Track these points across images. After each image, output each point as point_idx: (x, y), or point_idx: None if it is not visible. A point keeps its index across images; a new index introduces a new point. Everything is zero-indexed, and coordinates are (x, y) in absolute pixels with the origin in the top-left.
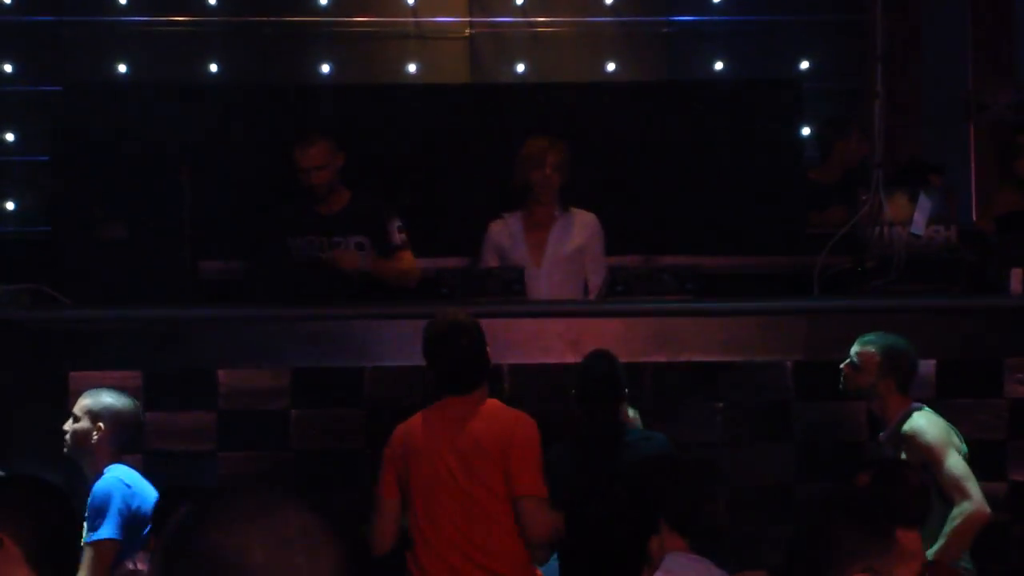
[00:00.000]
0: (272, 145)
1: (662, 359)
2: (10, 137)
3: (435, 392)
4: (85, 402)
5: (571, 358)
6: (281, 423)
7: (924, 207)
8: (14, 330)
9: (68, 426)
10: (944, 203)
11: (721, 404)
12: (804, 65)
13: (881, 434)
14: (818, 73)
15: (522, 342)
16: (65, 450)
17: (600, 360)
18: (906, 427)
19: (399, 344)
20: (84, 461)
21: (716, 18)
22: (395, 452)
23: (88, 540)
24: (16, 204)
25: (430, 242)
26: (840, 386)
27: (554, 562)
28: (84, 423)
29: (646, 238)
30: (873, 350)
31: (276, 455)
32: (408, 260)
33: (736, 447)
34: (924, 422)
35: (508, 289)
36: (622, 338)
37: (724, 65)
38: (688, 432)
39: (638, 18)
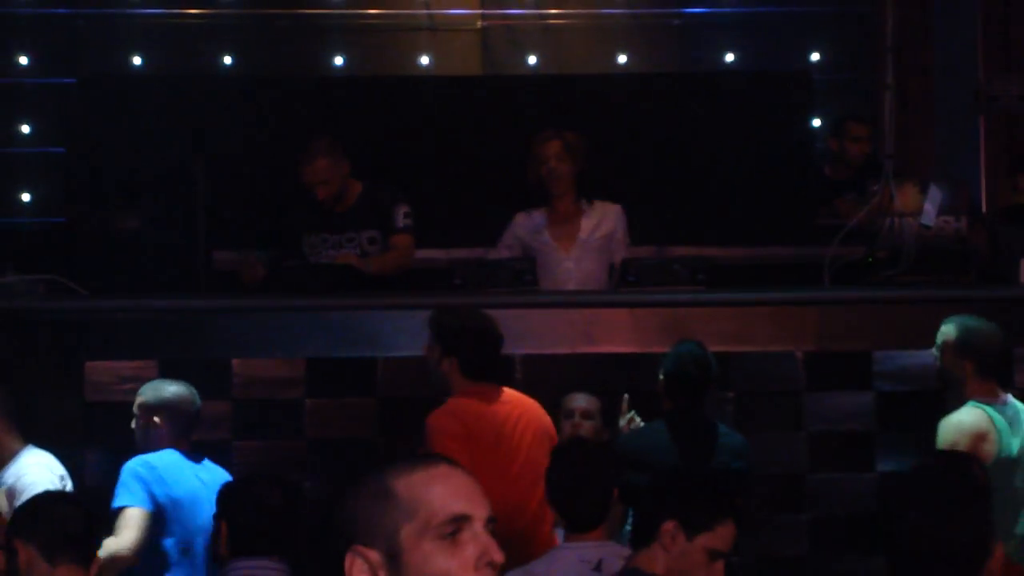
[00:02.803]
0: (285, 136)
1: None
2: (25, 129)
3: (452, 382)
4: (140, 399)
5: (583, 348)
6: (295, 412)
7: (934, 198)
8: (30, 320)
9: (133, 424)
10: (954, 194)
11: (732, 394)
12: (815, 57)
13: None
14: (829, 65)
15: (534, 333)
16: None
17: (692, 347)
18: (943, 420)
19: (413, 335)
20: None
21: (727, 10)
22: (460, 429)
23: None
24: (31, 195)
25: (442, 233)
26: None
27: None
28: (141, 420)
29: (657, 229)
30: (948, 329)
31: (290, 444)
32: (403, 243)
33: (747, 437)
34: (954, 420)
35: (520, 280)
36: (634, 328)
37: (735, 57)
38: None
39: (649, 10)
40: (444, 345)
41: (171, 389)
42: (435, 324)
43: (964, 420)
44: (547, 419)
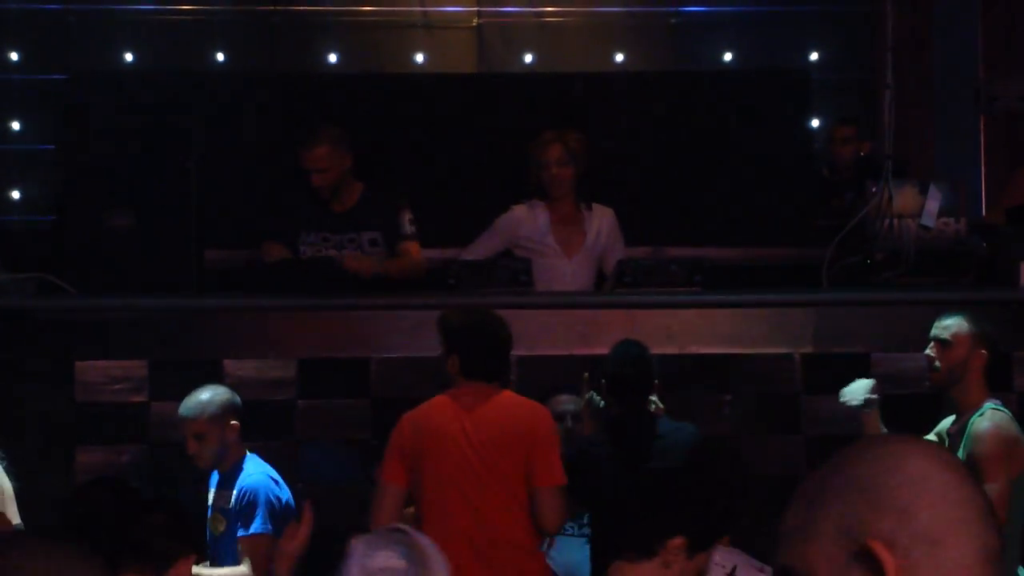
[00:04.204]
0: (279, 134)
1: (670, 351)
2: (16, 126)
3: (454, 379)
4: (203, 416)
5: (579, 350)
6: (287, 413)
7: (934, 199)
8: (20, 319)
9: (195, 449)
10: (954, 195)
11: (729, 396)
12: (813, 56)
13: (952, 425)
14: (828, 64)
15: (530, 333)
16: (202, 465)
17: (632, 347)
18: (974, 425)
19: (405, 335)
20: (230, 462)
21: (725, 8)
22: (405, 439)
23: (242, 535)
24: (22, 193)
25: (437, 232)
26: (927, 375)
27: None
28: (215, 431)
29: (654, 229)
30: (961, 322)
31: (282, 445)
32: (413, 251)
33: (744, 439)
34: (989, 427)
35: (515, 280)
36: (630, 330)
37: (733, 56)
38: (696, 424)
39: (646, 8)
40: (447, 343)
41: (219, 390)
42: (440, 322)
43: (1002, 426)
44: (528, 418)
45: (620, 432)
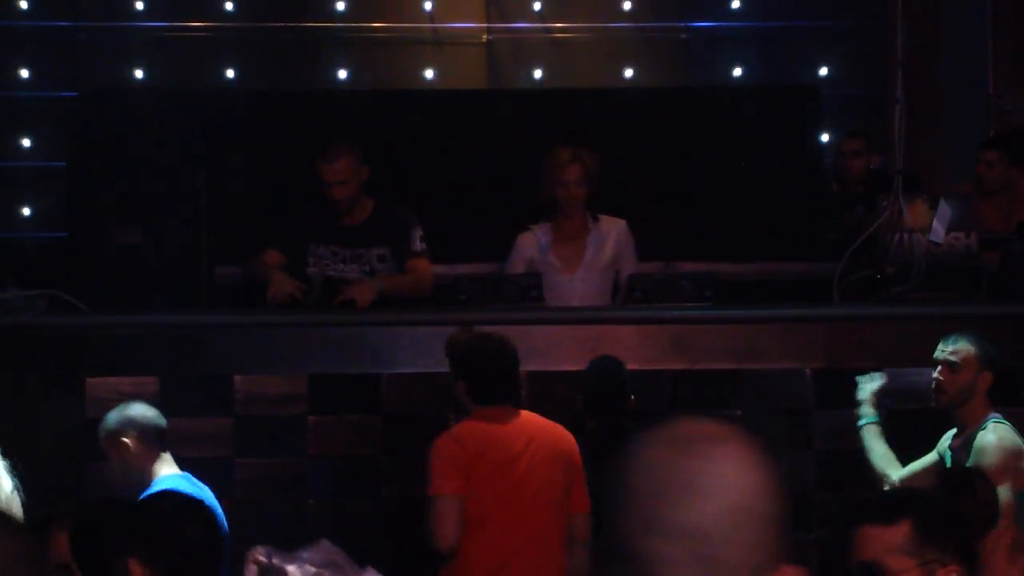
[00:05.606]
0: (288, 151)
1: (680, 366)
2: (26, 143)
3: (464, 403)
4: (101, 434)
5: None
6: (298, 429)
7: (944, 214)
8: (30, 336)
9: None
10: (965, 210)
11: (739, 412)
12: (823, 71)
13: (954, 439)
14: (838, 78)
15: (540, 349)
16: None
17: (605, 363)
18: (978, 439)
19: (416, 351)
20: (137, 479)
21: (735, 24)
22: (460, 454)
23: None
24: (32, 210)
25: (447, 248)
26: (933, 399)
27: None
28: (112, 450)
29: (664, 245)
30: (968, 344)
31: (293, 461)
32: (422, 268)
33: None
34: (994, 440)
35: (526, 296)
36: (640, 345)
37: (743, 71)
38: None
39: (656, 24)
40: (455, 368)
41: (120, 409)
42: (447, 347)
43: (1006, 438)
44: (566, 442)
45: (596, 449)
